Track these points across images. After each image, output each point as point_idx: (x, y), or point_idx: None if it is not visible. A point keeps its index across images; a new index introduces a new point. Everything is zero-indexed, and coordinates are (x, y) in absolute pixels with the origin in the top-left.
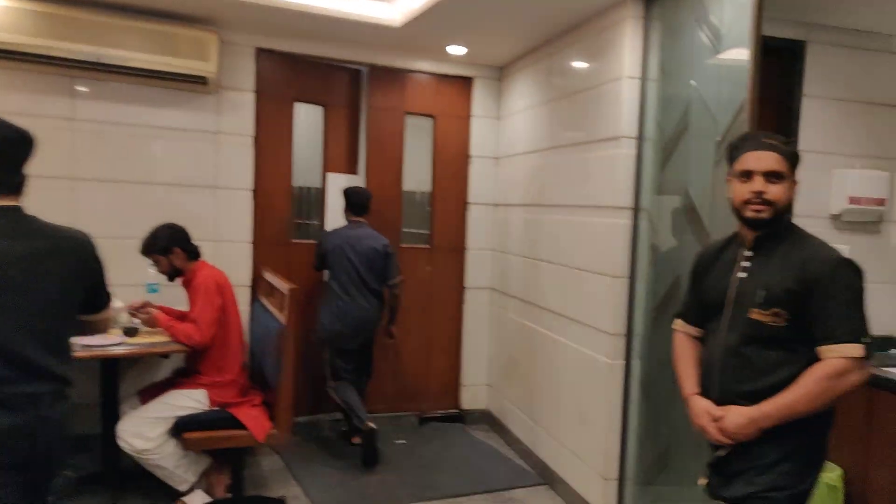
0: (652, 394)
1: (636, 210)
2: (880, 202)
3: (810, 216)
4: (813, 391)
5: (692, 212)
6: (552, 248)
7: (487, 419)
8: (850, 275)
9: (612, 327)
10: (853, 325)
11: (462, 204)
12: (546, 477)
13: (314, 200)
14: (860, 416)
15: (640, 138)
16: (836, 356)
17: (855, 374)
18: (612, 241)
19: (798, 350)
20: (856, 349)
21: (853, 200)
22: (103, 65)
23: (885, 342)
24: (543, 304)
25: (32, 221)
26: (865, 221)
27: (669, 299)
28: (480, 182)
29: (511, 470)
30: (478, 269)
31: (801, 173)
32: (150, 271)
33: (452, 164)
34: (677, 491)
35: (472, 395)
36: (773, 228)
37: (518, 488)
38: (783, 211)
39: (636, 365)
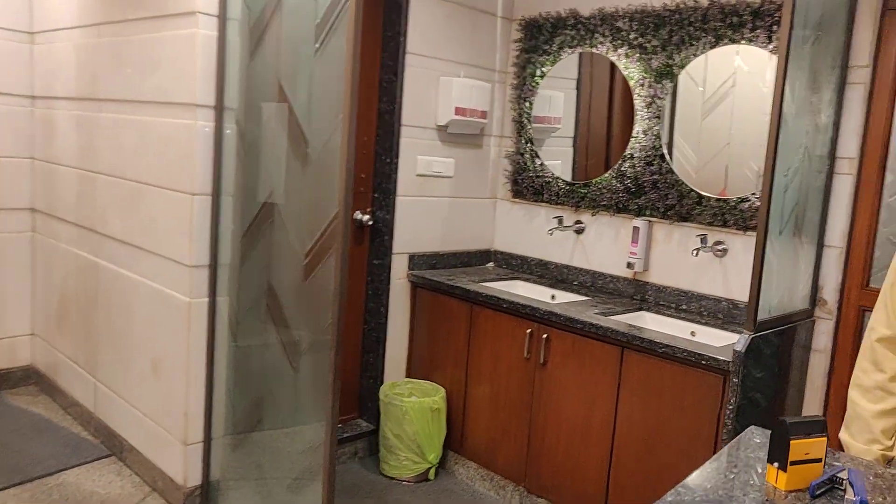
0: (241, 335)
1: (220, 109)
2: (483, 114)
3: (419, 126)
4: None
5: (289, 113)
6: (113, 158)
7: (35, 379)
8: None
9: (191, 258)
10: None
11: None
12: (112, 447)
13: None
14: (462, 335)
15: (223, 16)
16: None
17: None
18: (189, 148)
19: None
20: None
21: (459, 111)
22: None
23: (483, 256)
24: (104, 230)
25: None
26: (469, 134)
27: (263, 222)
28: (6, 65)
29: (65, 444)
30: (8, 183)
31: (411, 80)
32: None
33: None
34: (275, 438)
35: (10, 351)
36: None
37: (72, 468)
38: None
39: (223, 302)
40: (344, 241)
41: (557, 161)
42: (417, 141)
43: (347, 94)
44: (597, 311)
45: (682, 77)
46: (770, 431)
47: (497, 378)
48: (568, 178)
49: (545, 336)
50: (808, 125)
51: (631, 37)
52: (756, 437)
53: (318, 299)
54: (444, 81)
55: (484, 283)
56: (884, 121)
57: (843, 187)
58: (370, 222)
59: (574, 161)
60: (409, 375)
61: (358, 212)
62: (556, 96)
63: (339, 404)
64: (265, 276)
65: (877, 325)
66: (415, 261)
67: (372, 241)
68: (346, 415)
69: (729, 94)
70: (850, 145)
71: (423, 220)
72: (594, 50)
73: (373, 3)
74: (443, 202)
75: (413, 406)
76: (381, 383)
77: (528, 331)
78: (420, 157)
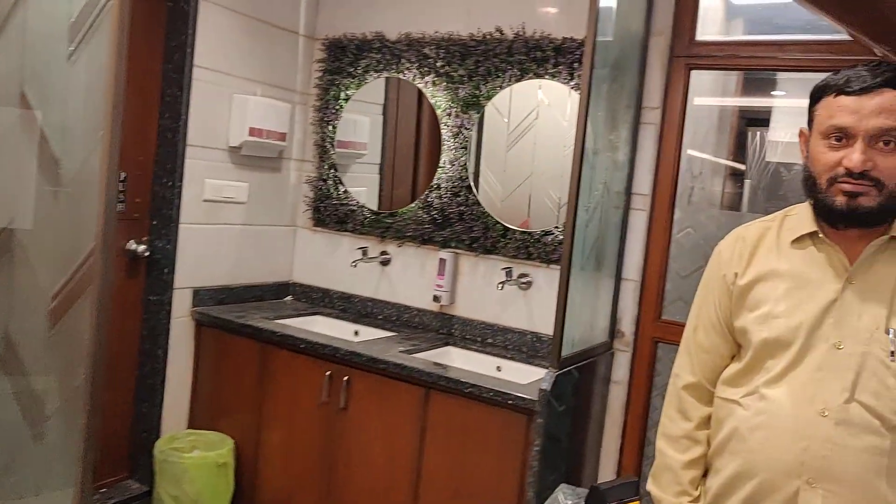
0: None
1: None
2: (282, 136)
3: (208, 146)
4: None
5: (34, 124)
6: None
7: None
8: None
9: None
10: None
11: None
12: None
13: None
14: (254, 379)
15: None
16: None
17: None
18: None
19: None
20: None
21: (254, 132)
22: None
23: (281, 289)
24: None
25: None
26: (266, 157)
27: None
28: None
29: None
30: None
31: (199, 96)
32: None
33: None
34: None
35: None
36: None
37: None
38: None
39: None
40: (103, 281)
41: (363, 188)
42: (206, 163)
43: (109, 107)
44: (402, 348)
45: (489, 108)
46: (579, 488)
47: (293, 425)
48: (374, 206)
49: (346, 378)
50: (607, 162)
51: (438, 65)
52: (568, 499)
53: (71, 349)
54: (239, 99)
55: (279, 320)
56: (672, 160)
57: (639, 222)
58: (147, 253)
59: (380, 189)
60: (192, 426)
61: (132, 241)
62: (362, 121)
63: (106, 464)
64: (1, 320)
65: (681, 371)
66: (200, 296)
67: (149, 275)
68: (114, 476)
69: (532, 127)
70: (644, 182)
71: (210, 251)
72: (401, 76)
73: (152, 8)
74: (234, 230)
75: (195, 462)
76: (159, 436)
77: (328, 373)
78: (208, 181)
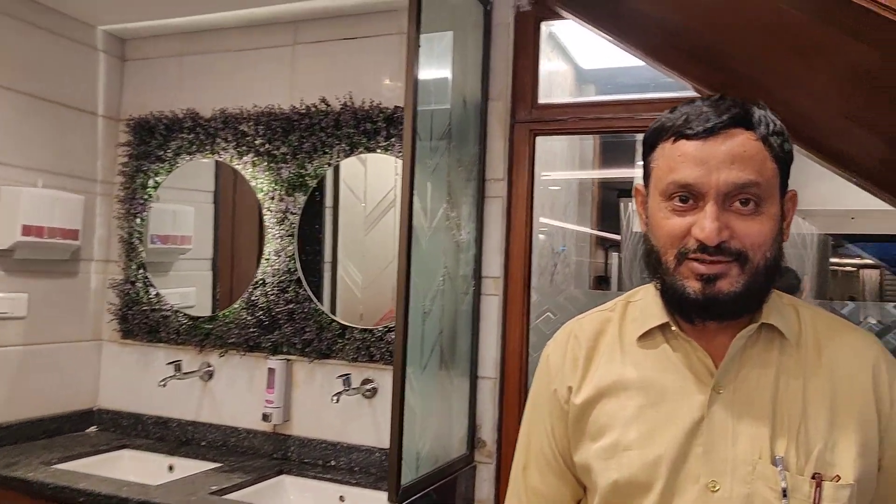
0: None
1: None
2: (72, 234)
3: None
4: None
5: None
6: None
7: None
8: None
9: None
10: None
11: None
12: None
13: None
14: None
15: None
16: None
17: None
18: None
19: None
20: None
21: (30, 231)
22: None
23: (82, 419)
24: None
25: None
26: (52, 259)
27: None
28: None
29: None
30: None
31: None
32: None
33: None
34: None
35: None
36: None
37: None
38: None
39: None
40: None
41: (191, 288)
42: None
43: None
44: (218, 485)
45: (343, 189)
46: None
47: None
48: (208, 307)
49: None
50: (448, 242)
51: (257, 142)
52: None
53: None
54: (9, 192)
55: (66, 464)
56: (523, 236)
57: (491, 309)
58: None
59: (215, 287)
60: None
61: None
62: (184, 211)
63: None
64: None
65: None
66: None
67: None
68: None
69: (392, 207)
70: (493, 263)
71: None
72: (217, 157)
73: None
74: (10, 353)
75: None
76: None
77: None
78: None
